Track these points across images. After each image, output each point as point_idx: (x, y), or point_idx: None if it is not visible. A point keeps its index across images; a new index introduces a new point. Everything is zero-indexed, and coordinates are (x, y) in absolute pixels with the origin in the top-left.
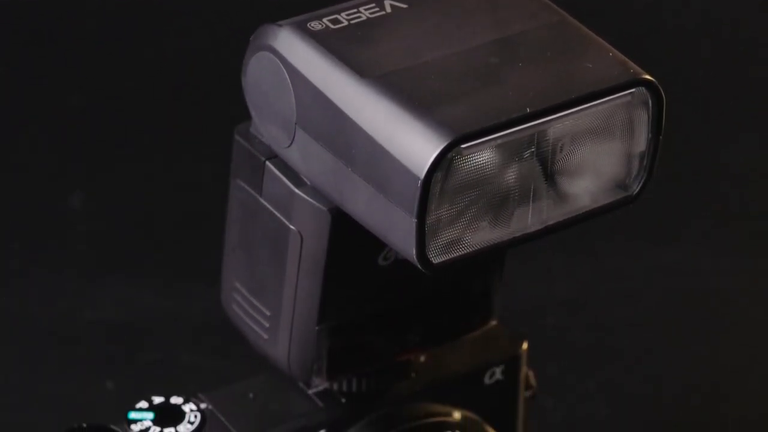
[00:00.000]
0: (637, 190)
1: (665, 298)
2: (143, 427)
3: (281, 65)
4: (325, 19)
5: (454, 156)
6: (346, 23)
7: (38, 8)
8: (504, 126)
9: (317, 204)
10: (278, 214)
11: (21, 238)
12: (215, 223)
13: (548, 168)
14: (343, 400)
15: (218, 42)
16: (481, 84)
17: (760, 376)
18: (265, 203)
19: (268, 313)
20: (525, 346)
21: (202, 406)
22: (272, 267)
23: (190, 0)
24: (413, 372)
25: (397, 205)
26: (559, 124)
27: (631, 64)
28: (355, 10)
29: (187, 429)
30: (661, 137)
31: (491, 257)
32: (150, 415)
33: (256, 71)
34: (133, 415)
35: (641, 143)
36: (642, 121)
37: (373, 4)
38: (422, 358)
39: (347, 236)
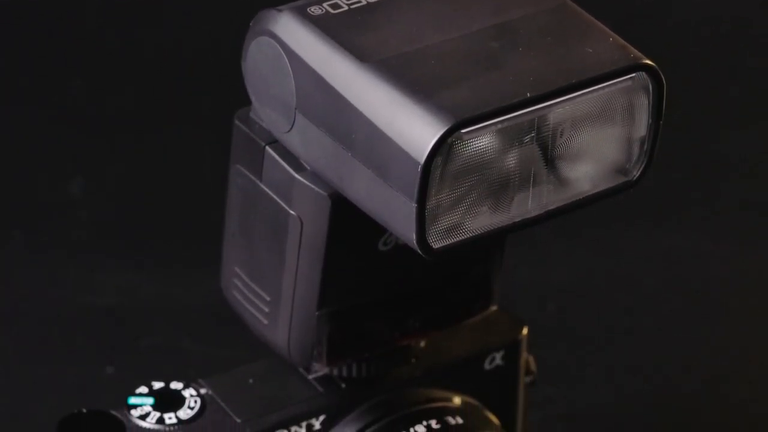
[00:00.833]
0: (638, 175)
1: (665, 283)
2: (143, 413)
3: (281, 50)
4: (324, 4)
5: (455, 141)
6: (345, 8)
7: None
8: (504, 111)
9: (317, 189)
10: (278, 199)
11: (21, 224)
12: (215, 208)
13: (548, 153)
14: (343, 386)
15: (218, 27)
16: (481, 69)
17: (760, 361)
18: (265, 188)
19: (268, 299)
20: (525, 331)
21: (202, 391)
22: (272, 252)
23: None
24: (413, 357)
25: (397, 190)
26: (559, 109)
27: (632, 48)
28: None
29: (187, 414)
30: (661, 122)
31: (491, 242)
32: (150, 400)
33: (256, 56)
34: (133, 400)
35: (641, 128)
36: (642, 106)
37: None
38: (422, 344)
39: (347, 221)
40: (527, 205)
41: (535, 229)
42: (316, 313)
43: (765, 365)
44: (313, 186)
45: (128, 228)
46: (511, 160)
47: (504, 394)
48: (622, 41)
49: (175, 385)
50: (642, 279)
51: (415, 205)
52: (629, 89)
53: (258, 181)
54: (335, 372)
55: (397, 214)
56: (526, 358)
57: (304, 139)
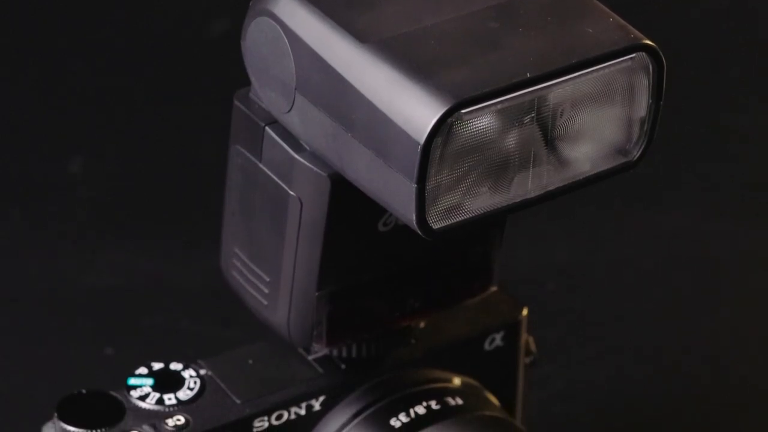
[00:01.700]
0: (638, 155)
1: (665, 263)
2: (143, 393)
3: (281, 30)
4: None
5: (454, 121)
6: None
7: None
8: (504, 91)
9: (317, 169)
10: (278, 180)
11: (20, 204)
12: (215, 189)
13: (548, 133)
14: (343, 366)
15: (218, 7)
16: (481, 49)
17: (759, 339)
18: (265, 169)
19: (267, 279)
20: (525, 312)
21: (202, 372)
22: (272, 233)
23: None
24: (413, 338)
25: (397, 171)
26: (559, 89)
27: (632, 29)
28: None
29: (187, 395)
30: (661, 103)
31: (491, 223)
32: (149, 381)
33: (255, 36)
34: (132, 381)
35: (642, 109)
36: (642, 87)
37: None
38: (422, 324)
39: (347, 202)
40: (527, 185)
41: (535, 209)
42: (316, 293)
43: (766, 344)
44: (312, 166)
45: (128, 209)
46: (511, 140)
47: (504, 375)
48: (622, 21)
49: (175, 366)
50: (642, 259)
51: (414, 185)
52: (629, 69)
53: (258, 162)
54: (335, 353)
55: (396, 194)
56: (526, 338)
57: (304, 119)
